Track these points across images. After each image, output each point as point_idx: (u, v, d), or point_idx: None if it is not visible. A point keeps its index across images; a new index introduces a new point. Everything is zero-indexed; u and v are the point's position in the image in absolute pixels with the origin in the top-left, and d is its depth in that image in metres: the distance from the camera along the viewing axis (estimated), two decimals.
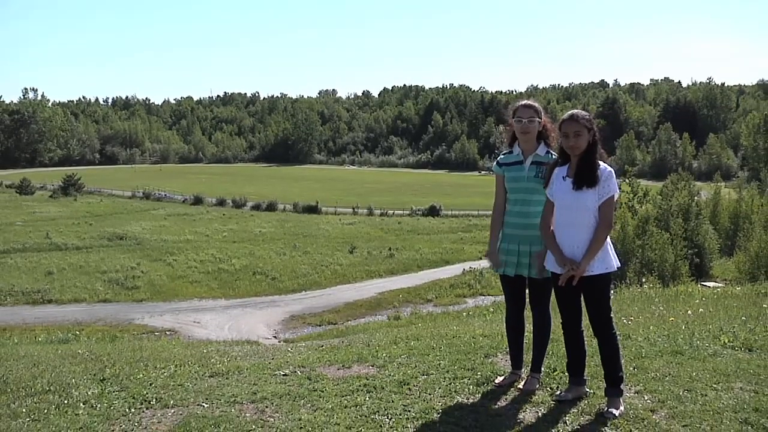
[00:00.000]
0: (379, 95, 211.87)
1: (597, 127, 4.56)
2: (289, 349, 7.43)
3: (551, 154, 4.91)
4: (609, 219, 4.49)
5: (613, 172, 4.52)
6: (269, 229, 59.66)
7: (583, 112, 4.59)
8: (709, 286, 19.47)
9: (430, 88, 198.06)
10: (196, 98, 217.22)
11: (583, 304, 4.68)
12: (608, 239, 4.56)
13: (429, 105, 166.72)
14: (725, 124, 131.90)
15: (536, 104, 4.98)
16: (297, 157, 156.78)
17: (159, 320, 32.81)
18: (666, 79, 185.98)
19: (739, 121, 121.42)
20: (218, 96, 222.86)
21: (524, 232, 4.92)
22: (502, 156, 5.12)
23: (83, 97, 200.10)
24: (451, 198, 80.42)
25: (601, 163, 4.52)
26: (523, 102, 5.01)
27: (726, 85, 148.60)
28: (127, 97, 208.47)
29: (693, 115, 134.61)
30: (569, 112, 4.61)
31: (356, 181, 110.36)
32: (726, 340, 6.34)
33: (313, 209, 71.52)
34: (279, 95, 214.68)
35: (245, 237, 55.45)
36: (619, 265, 4.70)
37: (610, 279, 4.62)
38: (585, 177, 4.47)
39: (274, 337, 28.82)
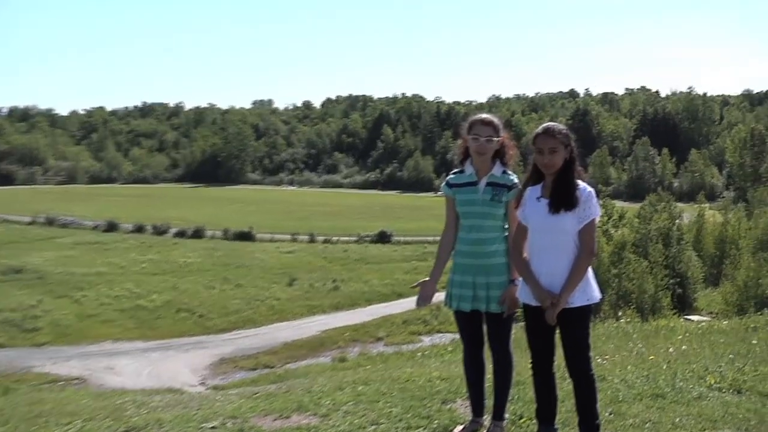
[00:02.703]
0: (321, 106, 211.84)
1: (574, 143, 4.57)
2: (218, 397, 7.36)
3: (508, 173, 4.92)
4: (591, 245, 4.49)
5: (593, 192, 4.53)
6: (196, 259, 59.15)
7: (560, 126, 4.58)
8: (693, 320, 19.89)
9: (379, 99, 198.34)
10: (109, 109, 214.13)
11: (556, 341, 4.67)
12: (589, 267, 4.56)
13: (378, 117, 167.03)
14: (708, 139, 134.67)
15: (496, 120, 4.94)
16: (228, 176, 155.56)
17: (64, 367, 32.18)
18: (642, 88, 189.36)
19: (723, 135, 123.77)
20: (135, 106, 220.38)
21: (479, 261, 4.91)
22: (452, 176, 5.10)
23: None
24: (403, 222, 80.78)
25: (579, 182, 4.52)
26: (482, 117, 4.97)
27: (708, 95, 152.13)
28: (26, 106, 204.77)
29: (673, 128, 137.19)
30: (544, 126, 4.60)
31: (296, 203, 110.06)
32: (712, 381, 6.44)
33: (246, 236, 71.12)
34: (207, 106, 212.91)
35: (168, 268, 54.88)
36: (601, 296, 4.70)
37: (591, 312, 4.62)
38: (562, 198, 4.46)
39: (201, 383, 28.79)
